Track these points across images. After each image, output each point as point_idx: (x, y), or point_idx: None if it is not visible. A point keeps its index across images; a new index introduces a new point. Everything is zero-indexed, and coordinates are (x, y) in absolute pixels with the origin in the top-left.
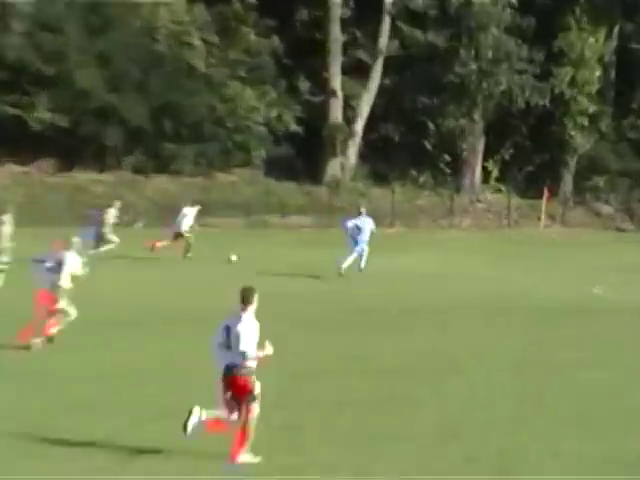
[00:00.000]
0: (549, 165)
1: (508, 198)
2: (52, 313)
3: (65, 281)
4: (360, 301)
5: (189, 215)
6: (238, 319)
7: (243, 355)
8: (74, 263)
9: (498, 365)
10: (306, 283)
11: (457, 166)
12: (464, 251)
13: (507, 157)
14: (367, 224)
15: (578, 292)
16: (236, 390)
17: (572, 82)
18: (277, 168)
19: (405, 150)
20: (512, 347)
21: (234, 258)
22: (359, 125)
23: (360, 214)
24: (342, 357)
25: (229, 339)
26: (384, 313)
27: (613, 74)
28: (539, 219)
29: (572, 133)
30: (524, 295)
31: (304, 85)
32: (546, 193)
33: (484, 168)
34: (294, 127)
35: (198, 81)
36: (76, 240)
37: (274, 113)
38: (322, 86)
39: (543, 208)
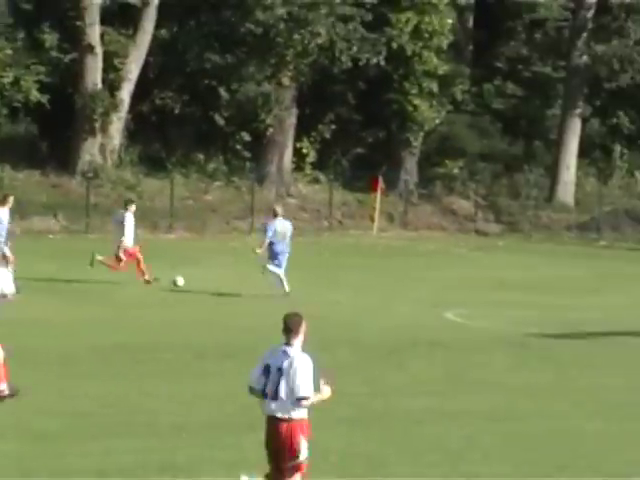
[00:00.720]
0: (385, 146)
1: (330, 191)
2: None
3: None
4: (118, 335)
5: (128, 221)
6: (283, 355)
7: (298, 403)
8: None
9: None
10: (51, 306)
11: (260, 148)
12: None
13: (328, 135)
14: (288, 230)
15: (425, 318)
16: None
17: (415, 33)
18: (13, 152)
19: (188, 126)
20: (335, 395)
21: (180, 282)
22: (126, 92)
23: (276, 216)
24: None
25: (268, 383)
26: (164, 353)
27: (471, 21)
28: (372, 219)
29: (416, 102)
30: (352, 324)
31: (50, 38)
32: (381, 184)
33: (297, 151)
34: (36, 96)
35: None
36: None
37: (8, 77)
38: (75, 39)
39: (377, 205)
